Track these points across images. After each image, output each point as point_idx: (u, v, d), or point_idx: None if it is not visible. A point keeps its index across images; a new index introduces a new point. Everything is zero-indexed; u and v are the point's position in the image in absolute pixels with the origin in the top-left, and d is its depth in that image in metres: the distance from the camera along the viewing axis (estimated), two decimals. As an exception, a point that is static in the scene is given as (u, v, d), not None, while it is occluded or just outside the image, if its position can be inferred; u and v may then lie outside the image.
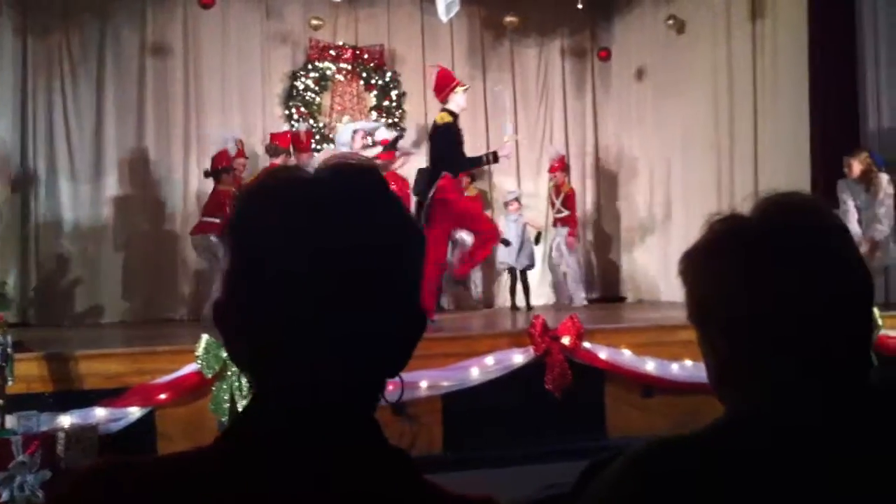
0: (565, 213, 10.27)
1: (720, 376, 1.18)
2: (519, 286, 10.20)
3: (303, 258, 0.93)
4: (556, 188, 10.36)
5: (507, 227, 9.98)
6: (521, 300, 10.18)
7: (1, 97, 9.25)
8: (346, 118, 9.32)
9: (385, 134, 9.43)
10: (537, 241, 10.13)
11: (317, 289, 0.93)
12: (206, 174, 8.91)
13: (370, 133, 9.00)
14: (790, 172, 9.22)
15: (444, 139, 7.56)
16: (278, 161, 8.63)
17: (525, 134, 11.17)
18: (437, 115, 7.74)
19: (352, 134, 8.62)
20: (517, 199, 10.30)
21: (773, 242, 1.13)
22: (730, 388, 1.17)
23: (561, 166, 10.38)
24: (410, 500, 0.96)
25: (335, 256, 0.93)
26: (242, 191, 1.02)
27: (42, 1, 9.74)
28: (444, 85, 7.76)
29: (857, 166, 8.19)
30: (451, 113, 7.61)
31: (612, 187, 11.47)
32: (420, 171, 8.41)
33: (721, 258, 1.17)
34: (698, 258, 1.20)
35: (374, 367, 0.99)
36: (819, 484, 1.05)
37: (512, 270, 10.29)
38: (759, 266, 1.13)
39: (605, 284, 11.37)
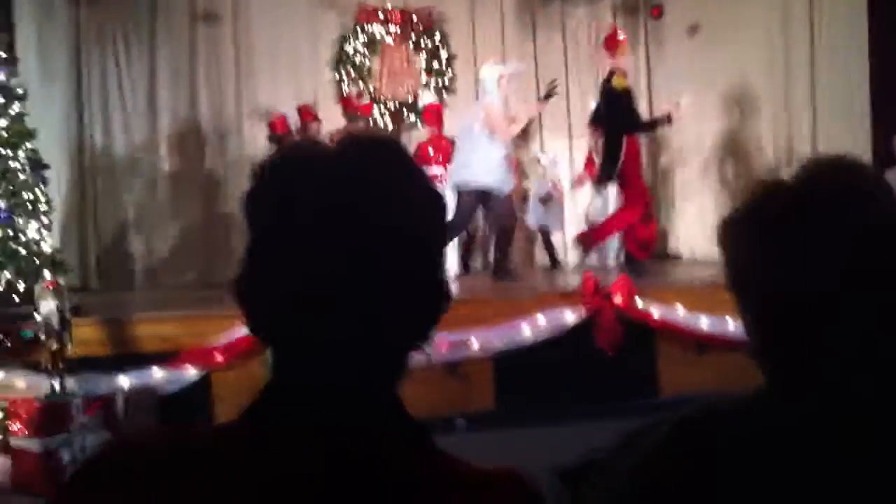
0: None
1: (756, 348, 1.14)
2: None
3: (316, 235, 0.93)
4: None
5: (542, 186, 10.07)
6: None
7: (56, 66, 9.37)
8: (488, 63, 8.58)
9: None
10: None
11: (330, 266, 0.92)
12: (270, 139, 8.99)
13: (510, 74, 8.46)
14: (849, 131, 9.01)
15: (627, 103, 8.16)
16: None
17: (578, 97, 11.03)
18: (614, 80, 8.18)
19: (497, 79, 8.14)
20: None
21: (811, 212, 1.07)
22: (766, 361, 1.13)
23: None
24: (427, 476, 0.95)
25: (349, 233, 0.93)
26: (258, 165, 1.02)
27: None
28: (615, 44, 8.32)
29: None
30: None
31: (665, 147, 11.27)
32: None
33: (756, 226, 1.12)
34: (734, 225, 1.15)
35: (393, 344, 0.98)
36: (846, 474, 1.02)
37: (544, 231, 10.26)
38: (796, 237, 1.07)
39: (660, 243, 11.20)
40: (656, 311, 6.39)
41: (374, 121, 10.54)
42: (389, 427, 0.96)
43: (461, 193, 7.82)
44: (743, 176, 10.09)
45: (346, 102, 10.03)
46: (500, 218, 8.10)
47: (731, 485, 1.03)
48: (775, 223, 1.09)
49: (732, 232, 1.15)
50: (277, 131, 9.07)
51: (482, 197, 7.86)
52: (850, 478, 1.01)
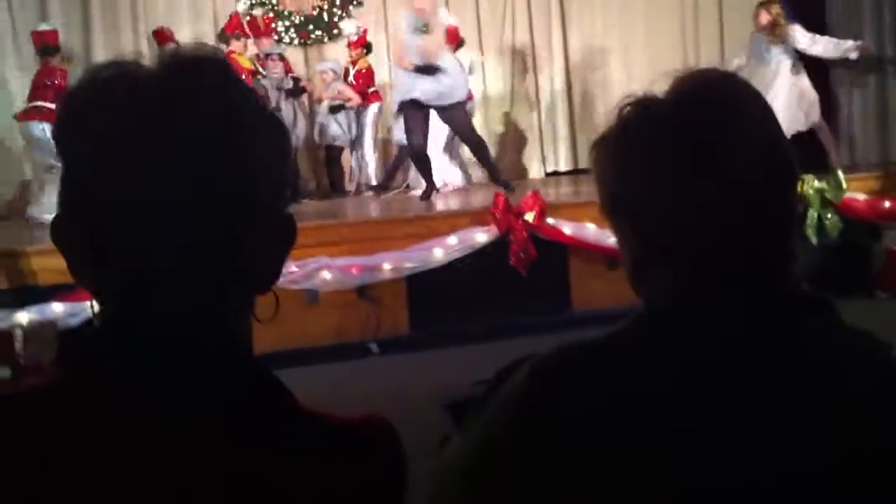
0: None
1: (633, 273, 1.10)
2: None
3: (133, 167, 0.84)
4: None
5: None
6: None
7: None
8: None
9: (447, 19, 8.42)
10: None
11: (151, 198, 0.84)
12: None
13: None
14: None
15: None
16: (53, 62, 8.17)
17: (490, 24, 10.84)
18: None
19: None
20: None
21: (681, 128, 1.03)
22: (642, 286, 1.09)
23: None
24: (283, 430, 0.87)
25: (168, 162, 0.84)
26: (69, 91, 0.91)
27: None
28: None
29: (764, 16, 8.00)
30: None
31: (586, 72, 11.14)
32: None
33: (627, 146, 1.07)
34: (605, 146, 1.10)
35: (228, 283, 0.88)
36: (717, 394, 0.98)
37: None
38: (666, 155, 1.03)
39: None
40: (567, 228, 6.41)
41: (280, 38, 10.20)
42: (236, 380, 0.87)
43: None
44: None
45: (252, 25, 9.62)
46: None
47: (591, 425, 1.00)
48: (644, 140, 1.05)
49: (601, 153, 1.10)
50: (164, 42, 8.55)
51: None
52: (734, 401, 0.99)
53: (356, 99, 9.41)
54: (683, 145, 1.03)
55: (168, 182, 0.84)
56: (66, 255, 0.88)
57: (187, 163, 0.84)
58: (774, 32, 7.90)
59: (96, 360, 0.86)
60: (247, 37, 8.89)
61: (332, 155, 9.67)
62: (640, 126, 1.07)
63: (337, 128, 9.47)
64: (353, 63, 9.62)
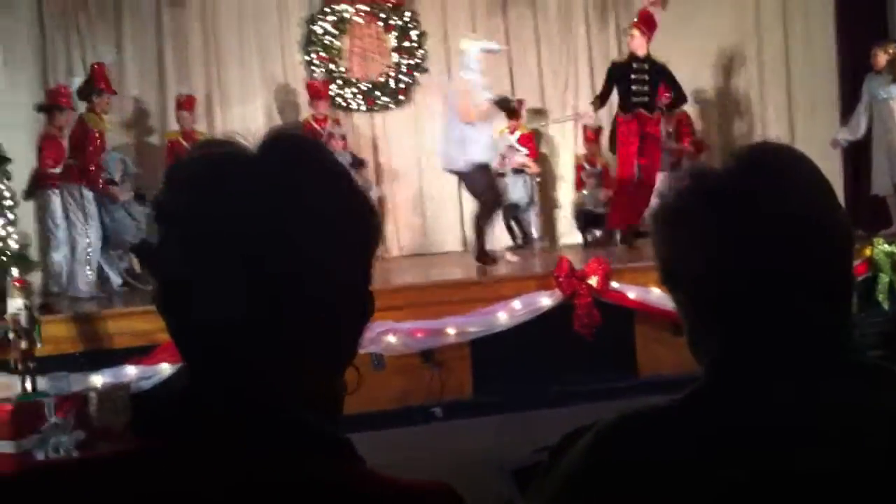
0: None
1: (691, 341, 1.14)
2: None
3: (233, 246, 0.89)
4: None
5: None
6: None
7: (20, 56, 9.21)
8: (468, 41, 8.20)
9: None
10: None
11: (233, 272, 0.89)
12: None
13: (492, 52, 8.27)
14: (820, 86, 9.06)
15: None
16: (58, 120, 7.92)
17: (548, 69, 10.94)
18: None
19: (478, 55, 7.95)
20: None
21: (737, 202, 1.06)
22: (698, 354, 1.13)
23: None
24: (356, 495, 0.90)
25: (267, 244, 0.89)
26: (174, 164, 0.99)
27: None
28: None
29: (882, 57, 7.98)
30: None
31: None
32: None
33: (682, 219, 1.10)
34: (661, 218, 1.13)
35: (313, 358, 0.94)
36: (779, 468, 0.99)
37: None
38: (722, 228, 1.06)
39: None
40: (632, 293, 6.37)
41: (347, 104, 10.44)
42: (306, 446, 0.91)
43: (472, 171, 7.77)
44: (721, 146, 10.09)
45: (311, 87, 9.88)
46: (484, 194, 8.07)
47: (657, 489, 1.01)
48: (699, 213, 1.07)
49: (658, 224, 1.13)
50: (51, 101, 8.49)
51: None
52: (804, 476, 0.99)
53: (535, 168, 9.78)
54: (736, 217, 1.05)
55: (255, 258, 0.88)
56: (167, 323, 0.94)
57: (277, 240, 0.89)
58: (893, 71, 7.90)
59: (173, 430, 0.91)
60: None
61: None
62: (694, 198, 1.09)
63: (519, 191, 9.69)
64: (512, 131, 9.79)
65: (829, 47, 10.00)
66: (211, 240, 0.89)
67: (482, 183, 7.84)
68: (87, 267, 7.54)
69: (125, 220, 8.08)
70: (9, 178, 6.23)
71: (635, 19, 8.54)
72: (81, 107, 8.04)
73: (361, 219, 0.97)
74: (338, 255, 0.93)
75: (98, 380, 5.68)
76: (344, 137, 9.69)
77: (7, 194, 5.96)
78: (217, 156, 0.95)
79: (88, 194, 7.72)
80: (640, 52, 8.18)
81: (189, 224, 0.91)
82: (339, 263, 0.93)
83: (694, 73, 10.23)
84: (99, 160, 7.95)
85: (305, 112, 9.96)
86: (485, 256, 7.67)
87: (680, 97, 8.56)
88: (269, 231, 0.89)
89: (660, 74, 8.22)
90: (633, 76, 8.15)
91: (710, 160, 9.13)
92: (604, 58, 11.03)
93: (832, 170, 7.92)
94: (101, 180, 7.88)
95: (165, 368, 5.81)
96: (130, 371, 5.75)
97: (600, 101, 8.53)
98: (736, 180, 1.08)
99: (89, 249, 7.58)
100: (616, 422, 1.09)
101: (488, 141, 7.87)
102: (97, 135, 7.95)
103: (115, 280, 8.14)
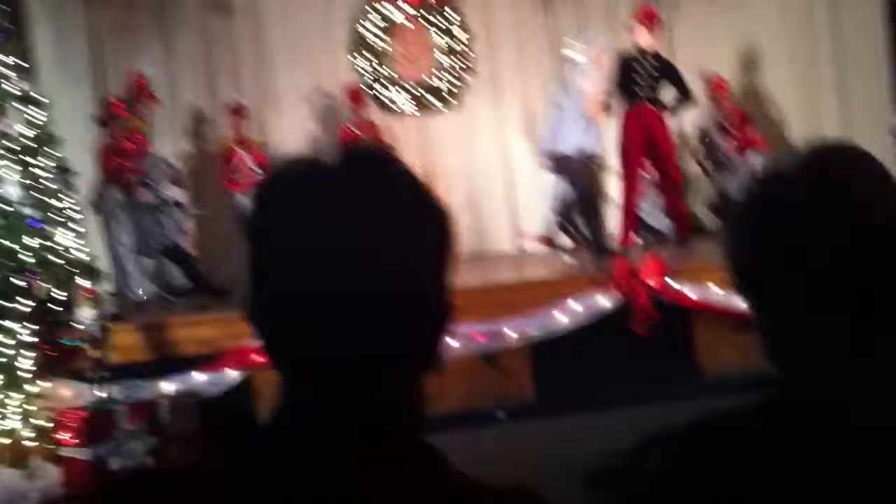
0: None
1: (767, 347, 1.13)
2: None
3: (323, 257, 0.93)
4: None
5: None
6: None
7: (76, 66, 9.38)
8: (571, 43, 8.48)
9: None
10: None
11: (338, 287, 0.92)
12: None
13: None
14: (871, 84, 8.93)
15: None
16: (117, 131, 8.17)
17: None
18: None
19: (592, 58, 8.14)
20: None
21: (807, 212, 1.06)
22: (775, 361, 1.12)
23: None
24: (436, 497, 0.94)
25: (356, 254, 0.93)
26: (260, 183, 1.03)
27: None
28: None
29: None
30: None
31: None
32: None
33: (757, 223, 1.11)
34: (735, 221, 1.14)
35: (402, 364, 0.97)
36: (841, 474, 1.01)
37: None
38: (797, 232, 1.06)
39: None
40: (691, 292, 6.36)
41: (396, 107, 10.51)
42: (400, 449, 0.95)
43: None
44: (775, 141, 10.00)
45: (351, 93, 9.96)
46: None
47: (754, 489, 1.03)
48: (773, 217, 1.08)
49: (734, 225, 1.14)
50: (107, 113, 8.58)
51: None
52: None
53: None
54: (813, 223, 1.06)
55: (343, 270, 0.92)
56: (255, 334, 0.97)
57: (363, 252, 0.92)
58: None
59: (273, 440, 0.94)
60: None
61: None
62: (768, 203, 1.10)
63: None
64: None
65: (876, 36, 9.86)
66: (301, 254, 0.93)
67: (587, 174, 8.05)
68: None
69: (153, 225, 8.13)
70: (75, 191, 6.36)
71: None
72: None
73: (441, 227, 1.00)
74: (422, 263, 0.96)
75: (167, 387, 5.80)
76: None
77: (76, 207, 6.07)
78: (301, 171, 0.99)
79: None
80: (645, 45, 8.11)
81: (279, 240, 0.95)
82: (424, 272, 0.97)
83: (744, 67, 10.18)
84: (141, 164, 8.08)
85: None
86: (605, 248, 7.80)
87: (685, 96, 8.29)
88: (358, 243, 0.93)
89: (665, 71, 8.10)
90: (638, 70, 8.03)
91: (768, 157, 9.10)
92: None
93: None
94: (132, 182, 8.02)
95: (231, 375, 5.93)
96: (198, 378, 5.87)
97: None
98: (806, 188, 1.08)
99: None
100: (696, 429, 1.10)
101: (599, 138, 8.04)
102: (138, 137, 8.11)
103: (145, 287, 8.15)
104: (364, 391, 0.95)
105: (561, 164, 8.11)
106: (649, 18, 8.21)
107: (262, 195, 1.00)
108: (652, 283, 6.31)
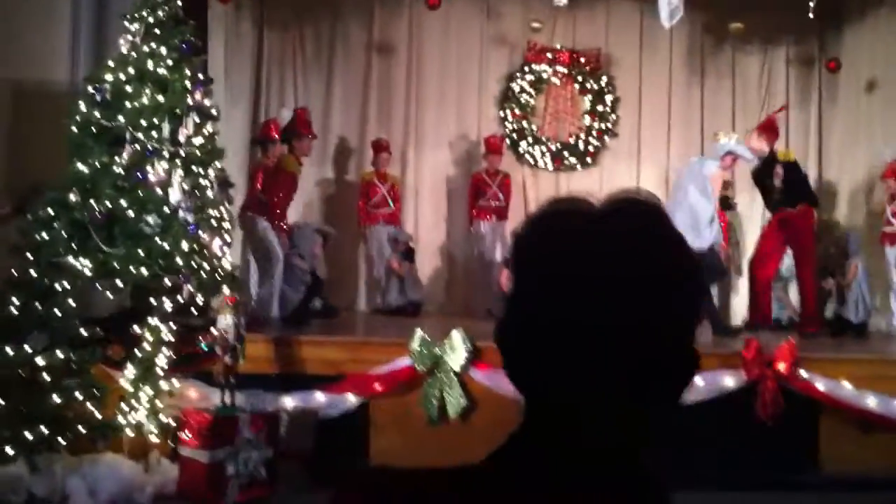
0: None
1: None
2: None
3: (586, 296, 0.95)
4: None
5: None
6: None
7: (239, 89, 9.84)
8: (725, 136, 8.80)
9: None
10: None
11: (598, 329, 0.95)
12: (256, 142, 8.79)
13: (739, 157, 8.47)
14: None
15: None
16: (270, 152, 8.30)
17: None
18: (781, 153, 8.66)
19: (723, 155, 8.31)
20: None
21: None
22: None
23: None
24: None
25: (618, 297, 0.95)
26: (529, 219, 1.05)
27: (278, -5, 10.34)
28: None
29: None
30: None
31: (833, 204, 10.89)
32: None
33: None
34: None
35: (650, 411, 0.99)
36: None
37: None
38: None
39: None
40: (820, 384, 6.18)
41: (535, 161, 10.64)
42: (634, 494, 0.97)
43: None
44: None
45: (489, 142, 10.13)
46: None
47: None
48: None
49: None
50: (264, 134, 8.74)
51: None
52: None
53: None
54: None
55: (601, 311, 0.95)
56: (503, 356, 1.01)
57: (622, 295, 0.95)
58: None
59: (519, 457, 0.98)
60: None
61: None
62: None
63: None
64: None
65: None
66: (565, 295, 0.96)
67: (718, 259, 8.29)
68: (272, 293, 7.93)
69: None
70: (231, 203, 6.65)
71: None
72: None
73: (697, 280, 1.03)
74: (681, 309, 1.00)
75: (289, 402, 5.93)
76: None
77: (226, 217, 6.34)
78: (570, 216, 1.02)
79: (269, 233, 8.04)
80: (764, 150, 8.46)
81: (537, 281, 1.00)
82: (681, 321, 1.00)
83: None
84: (285, 203, 8.34)
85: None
86: (729, 329, 7.85)
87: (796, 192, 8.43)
88: (619, 290, 0.95)
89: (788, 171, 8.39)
90: (765, 175, 8.48)
91: None
92: (802, 138, 10.85)
93: None
94: (283, 224, 8.26)
95: (351, 399, 6.03)
96: (319, 397, 5.99)
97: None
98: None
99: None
100: None
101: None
102: (288, 177, 8.29)
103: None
104: (620, 433, 0.98)
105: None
106: (769, 130, 8.64)
107: (532, 233, 1.04)
108: (782, 368, 6.16)
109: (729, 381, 6.16)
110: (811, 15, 9.39)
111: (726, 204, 8.85)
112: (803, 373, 6.20)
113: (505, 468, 0.99)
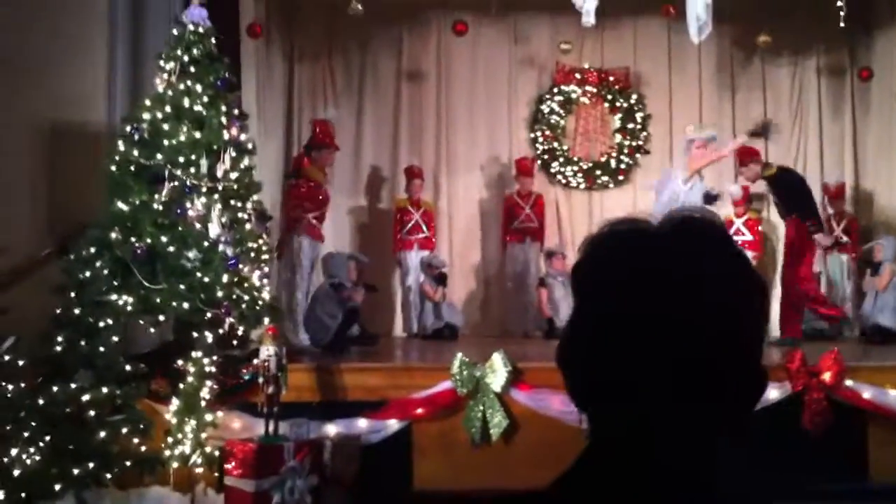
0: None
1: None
2: None
3: (649, 313, 0.96)
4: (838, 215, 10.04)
5: None
6: None
7: (272, 119, 9.97)
8: (692, 126, 9.13)
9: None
10: None
11: (660, 344, 0.95)
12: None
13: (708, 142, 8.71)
14: None
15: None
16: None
17: (777, 158, 10.73)
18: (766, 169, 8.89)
19: (686, 144, 8.71)
20: None
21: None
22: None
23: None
24: None
25: (688, 315, 0.96)
26: (590, 239, 1.06)
27: (308, 28, 10.49)
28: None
29: None
30: None
31: (871, 214, 10.78)
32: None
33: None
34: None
35: (719, 428, 0.99)
36: None
37: None
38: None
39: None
40: (866, 393, 6.10)
41: (567, 181, 10.66)
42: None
43: None
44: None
45: (520, 164, 10.19)
46: None
47: None
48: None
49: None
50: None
51: None
52: None
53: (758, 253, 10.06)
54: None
55: (673, 330, 0.96)
56: (565, 374, 1.02)
57: (694, 314, 0.96)
58: None
59: (587, 480, 0.99)
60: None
61: None
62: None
63: None
64: (739, 216, 10.13)
65: None
66: (637, 314, 0.97)
67: None
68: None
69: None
70: (268, 235, 6.74)
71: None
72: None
73: (762, 298, 1.04)
74: (746, 329, 1.00)
75: (332, 429, 5.95)
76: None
77: (265, 248, 6.42)
78: (632, 236, 1.03)
79: (306, 247, 8.20)
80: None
81: (602, 301, 1.00)
82: (747, 338, 1.01)
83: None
84: (314, 210, 8.44)
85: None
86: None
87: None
88: (691, 308, 0.96)
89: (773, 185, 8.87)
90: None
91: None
92: (836, 148, 10.78)
93: None
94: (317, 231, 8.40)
95: (393, 425, 6.05)
96: (362, 424, 6.00)
97: None
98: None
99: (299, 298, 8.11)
100: None
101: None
102: (313, 185, 8.47)
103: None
104: (693, 454, 0.99)
105: None
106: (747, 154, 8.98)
107: (595, 255, 1.05)
108: (827, 379, 6.09)
109: (774, 392, 6.09)
110: (842, 24, 9.33)
111: (709, 198, 8.79)
112: (849, 382, 6.13)
113: (576, 494, 0.99)
